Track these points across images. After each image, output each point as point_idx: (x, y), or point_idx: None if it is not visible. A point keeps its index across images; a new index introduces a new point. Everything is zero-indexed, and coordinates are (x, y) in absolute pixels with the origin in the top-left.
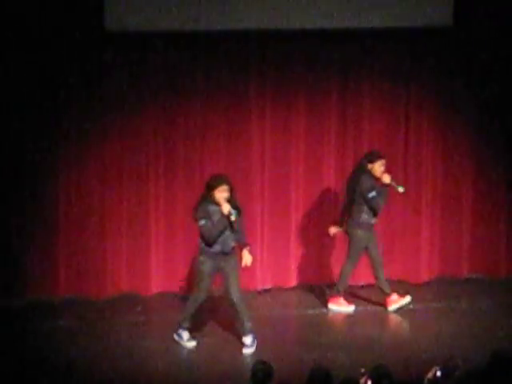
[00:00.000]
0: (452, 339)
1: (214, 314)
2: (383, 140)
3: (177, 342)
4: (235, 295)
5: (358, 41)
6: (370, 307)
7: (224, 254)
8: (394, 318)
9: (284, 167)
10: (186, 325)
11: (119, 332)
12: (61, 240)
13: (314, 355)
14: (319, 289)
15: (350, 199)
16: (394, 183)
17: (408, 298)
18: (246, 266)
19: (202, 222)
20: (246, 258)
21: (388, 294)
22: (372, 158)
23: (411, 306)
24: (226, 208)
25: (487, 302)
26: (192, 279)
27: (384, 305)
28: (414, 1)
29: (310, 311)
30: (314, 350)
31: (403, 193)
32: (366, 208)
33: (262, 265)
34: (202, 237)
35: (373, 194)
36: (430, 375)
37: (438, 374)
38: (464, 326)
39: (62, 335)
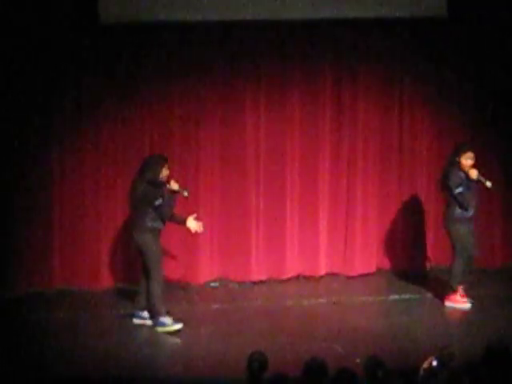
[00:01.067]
0: (448, 329)
1: (207, 306)
2: (378, 130)
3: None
4: None
5: (353, 31)
6: (367, 297)
7: None
8: (390, 309)
9: (279, 158)
10: (163, 309)
11: (114, 324)
12: (55, 232)
13: (309, 346)
14: (314, 280)
15: (445, 194)
16: (481, 178)
17: (468, 306)
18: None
19: None
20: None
21: (454, 290)
22: (458, 151)
23: (403, 296)
24: None
25: (482, 292)
26: (187, 270)
27: (443, 297)
28: None
29: (306, 302)
30: (309, 340)
31: (490, 188)
32: (457, 202)
33: (258, 256)
34: None
35: (459, 189)
36: (425, 365)
37: (434, 363)
38: (459, 316)
39: (57, 327)
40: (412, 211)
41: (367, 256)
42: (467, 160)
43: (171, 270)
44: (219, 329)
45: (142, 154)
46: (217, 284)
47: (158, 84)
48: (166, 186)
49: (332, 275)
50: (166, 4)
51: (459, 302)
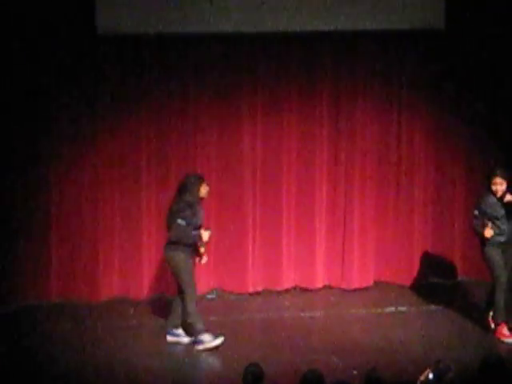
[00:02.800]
0: (443, 341)
1: (203, 317)
2: (375, 142)
3: (200, 350)
4: None
5: (351, 43)
6: (363, 310)
7: None
8: (386, 321)
9: (276, 168)
10: (201, 327)
11: (111, 336)
12: (53, 244)
13: (305, 358)
14: (311, 291)
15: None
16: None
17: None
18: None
19: None
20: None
21: (499, 324)
22: (488, 173)
23: (400, 309)
24: None
25: (478, 304)
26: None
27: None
28: (406, 4)
29: (302, 314)
30: (306, 352)
31: None
32: (491, 225)
33: (254, 267)
34: None
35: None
36: (422, 377)
37: (431, 376)
38: (456, 329)
39: (55, 339)
40: (410, 224)
41: (364, 268)
42: (495, 183)
43: (167, 282)
44: None
45: (140, 166)
46: (213, 296)
47: (156, 94)
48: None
49: (329, 287)
50: (164, 15)
51: (506, 337)
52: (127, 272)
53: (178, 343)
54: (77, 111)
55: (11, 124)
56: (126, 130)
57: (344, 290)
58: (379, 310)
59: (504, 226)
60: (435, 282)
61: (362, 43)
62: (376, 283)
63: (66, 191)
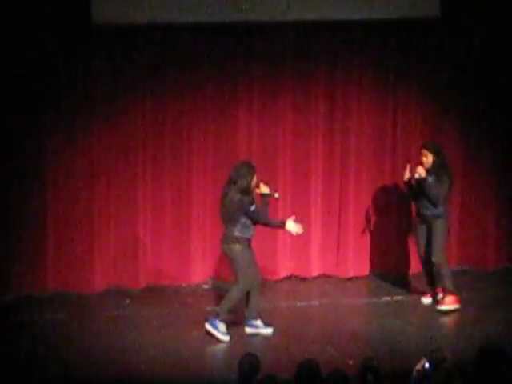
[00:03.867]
0: (440, 331)
1: (199, 307)
2: (371, 133)
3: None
4: None
5: (346, 33)
6: (359, 299)
7: None
8: (382, 311)
9: (272, 160)
10: (224, 315)
11: (107, 326)
12: (48, 235)
13: (301, 347)
14: (307, 281)
15: None
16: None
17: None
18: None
19: None
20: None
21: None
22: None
23: (395, 298)
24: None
25: (475, 295)
26: (180, 272)
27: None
28: None
29: (299, 304)
30: (301, 342)
31: None
32: None
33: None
34: None
35: None
36: (418, 367)
37: (426, 365)
38: (452, 319)
39: (51, 329)
40: (405, 213)
41: (360, 258)
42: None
43: (163, 272)
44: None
45: (135, 158)
46: (209, 285)
47: (150, 86)
48: (254, 192)
49: (325, 277)
50: (159, 5)
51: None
52: (122, 262)
53: (257, 335)
54: (71, 103)
55: (5, 115)
56: (121, 122)
57: (340, 279)
58: (375, 300)
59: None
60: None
61: (357, 33)
62: (372, 272)
63: (61, 182)
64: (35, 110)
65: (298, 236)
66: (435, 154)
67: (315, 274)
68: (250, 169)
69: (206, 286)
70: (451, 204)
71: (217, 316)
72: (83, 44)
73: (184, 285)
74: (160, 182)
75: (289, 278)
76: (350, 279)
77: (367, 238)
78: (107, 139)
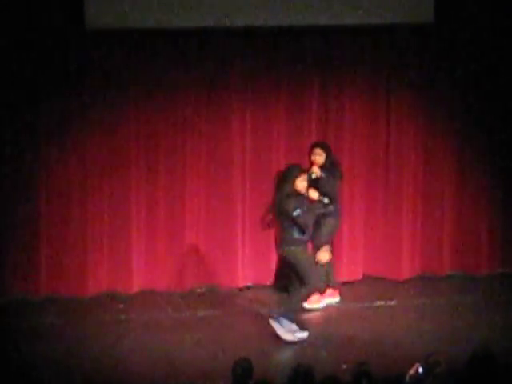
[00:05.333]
0: (433, 336)
1: (193, 312)
2: (365, 138)
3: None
4: None
5: (340, 38)
6: (353, 304)
7: None
8: (376, 315)
9: (265, 165)
10: (293, 315)
11: (101, 330)
12: (42, 238)
13: (295, 352)
14: None
15: None
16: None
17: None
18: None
19: None
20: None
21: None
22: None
23: (389, 303)
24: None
25: (468, 299)
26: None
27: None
28: None
29: None
30: (295, 346)
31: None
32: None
33: (244, 261)
34: None
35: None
36: (411, 372)
37: (420, 370)
38: (445, 324)
39: (43, 334)
40: (398, 218)
41: (353, 262)
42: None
43: (157, 276)
44: (205, 335)
45: (129, 160)
46: (203, 290)
47: (145, 90)
48: (304, 196)
49: None
50: (153, 10)
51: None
52: (116, 266)
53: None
54: (64, 106)
55: (1, 120)
56: (115, 124)
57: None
58: (368, 304)
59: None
60: (424, 276)
61: (350, 38)
62: (365, 277)
63: (54, 186)
64: (28, 113)
65: None
66: (327, 152)
67: None
68: (295, 172)
69: (199, 291)
70: (445, 208)
71: (284, 317)
72: (77, 48)
73: (177, 289)
74: (154, 186)
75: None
76: (342, 283)
77: (361, 241)
78: (100, 144)
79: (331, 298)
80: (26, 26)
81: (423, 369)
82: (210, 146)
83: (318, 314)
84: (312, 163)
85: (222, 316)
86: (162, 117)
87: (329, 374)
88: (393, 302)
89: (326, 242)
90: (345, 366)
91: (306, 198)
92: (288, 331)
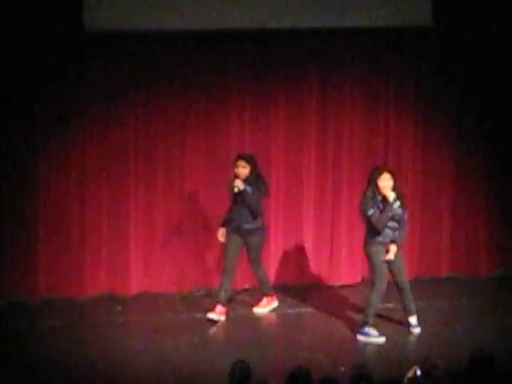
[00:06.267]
0: (431, 338)
1: (190, 314)
2: (363, 139)
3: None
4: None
5: (338, 40)
6: (351, 307)
7: None
8: (374, 318)
9: (264, 167)
10: (372, 321)
11: (99, 333)
12: (40, 240)
13: (293, 355)
14: (298, 289)
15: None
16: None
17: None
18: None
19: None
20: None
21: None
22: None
23: (387, 306)
24: None
25: (466, 301)
26: (172, 278)
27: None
28: (393, 0)
29: (290, 310)
30: (293, 349)
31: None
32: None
33: (242, 264)
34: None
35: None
36: (409, 374)
37: (418, 373)
38: (443, 326)
39: (41, 336)
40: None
41: (352, 265)
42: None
43: (155, 278)
44: (203, 337)
45: (128, 162)
46: (201, 292)
47: (143, 91)
48: (384, 197)
49: (317, 284)
50: (151, 12)
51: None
52: (114, 269)
53: (368, 343)
54: (64, 108)
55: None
56: (113, 126)
57: (331, 287)
58: None
59: None
60: (423, 278)
61: (349, 40)
62: (364, 280)
63: (52, 187)
64: (27, 115)
65: (291, 244)
66: (251, 165)
67: (307, 281)
68: (374, 173)
69: (197, 293)
70: (443, 210)
71: (365, 324)
72: (75, 50)
73: (176, 292)
74: (152, 188)
75: (281, 285)
76: (341, 286)
77: (359, 244)
78: (99, 145)
79: (273, 303)
80: (24, 28)
81: (421, 371)
82: (209, 146)
83: (315, 316)
84: (235, 176)
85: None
86: (161, 118)
87: (327, 377)
88: (391, 305)
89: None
90: (343, 369)
91: (382, 198)
92: (376, 337)
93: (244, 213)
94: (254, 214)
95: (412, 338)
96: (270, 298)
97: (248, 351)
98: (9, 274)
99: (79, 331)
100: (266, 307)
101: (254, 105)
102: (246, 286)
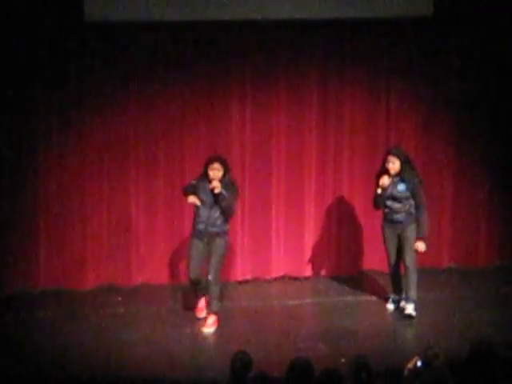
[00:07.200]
0: (432, 329)
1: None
2: (364, 132)
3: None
4: None
5: (339, 32)
6: (351, 297)
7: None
8: (374, 308)
9: (265, 157)
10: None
11: (99, 323)
12: (41, 231)
13: (294, 346)
14: (300, 280)
15: None
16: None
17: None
18: None
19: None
20: None
21: None
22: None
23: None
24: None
25: (467, 292)
26: (172, 269)
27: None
28: None
29: (291, 302)
30: (294, 340)
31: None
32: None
33: (243, 255)
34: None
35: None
36: (410, 365)
37: (419, 363)
38: (444, 317)
39: (43, 327)
40: None
41: (352, 257)
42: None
43: (156, 269)
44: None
45: (128, 154)
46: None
47: (143, 83)
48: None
49: (317, 275)
50: (151, 3)
51: None
52: (115, 260)
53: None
54: (63, 100)
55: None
56: (113, 119)
57: (332, 278)
58: (367, 298)
59: None
60: (423, 268)
61: (350, 31)
62: (364, 271)
63: (53, 180)
64: (27, 108)
65: (292, 236)
66: (224, 167)
67: (308, 273)
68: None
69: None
70: (444, 202)
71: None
72: (76, 41)
73: (176, 282)
74: (153, 179)
75: (282, 277)
76: (341, 277)
77: (360, 237)
78: (100, 136)
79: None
80: (24, 20)
81: (422, 362)
82: (210, 140)
83: (315, 307)
84: (208, 178)
85: (221, 309)
86: (162, 109)
87: (327, 368)
88: (392, 296)
89: None
90: (343, 360)
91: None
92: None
93: (214, 215)
94: (228, 217)
95: (412, 329)
96: (216, 316)
97: (250, 342)
98: (10, 265)
99: (80, 322)
100: (212, 326)
101: (254, 99)
102: (248, 277)
